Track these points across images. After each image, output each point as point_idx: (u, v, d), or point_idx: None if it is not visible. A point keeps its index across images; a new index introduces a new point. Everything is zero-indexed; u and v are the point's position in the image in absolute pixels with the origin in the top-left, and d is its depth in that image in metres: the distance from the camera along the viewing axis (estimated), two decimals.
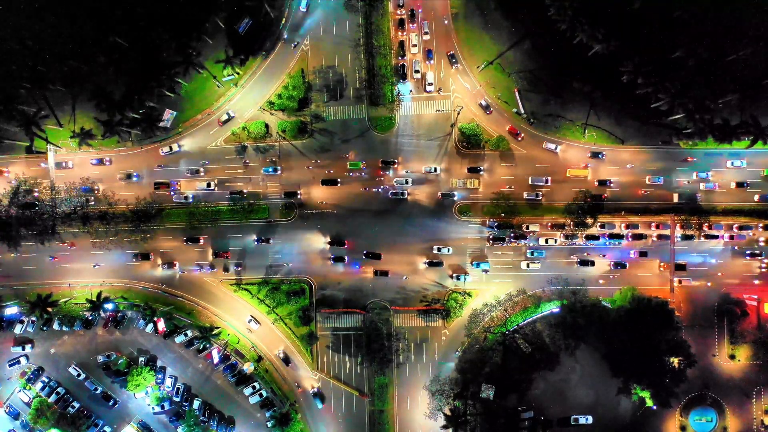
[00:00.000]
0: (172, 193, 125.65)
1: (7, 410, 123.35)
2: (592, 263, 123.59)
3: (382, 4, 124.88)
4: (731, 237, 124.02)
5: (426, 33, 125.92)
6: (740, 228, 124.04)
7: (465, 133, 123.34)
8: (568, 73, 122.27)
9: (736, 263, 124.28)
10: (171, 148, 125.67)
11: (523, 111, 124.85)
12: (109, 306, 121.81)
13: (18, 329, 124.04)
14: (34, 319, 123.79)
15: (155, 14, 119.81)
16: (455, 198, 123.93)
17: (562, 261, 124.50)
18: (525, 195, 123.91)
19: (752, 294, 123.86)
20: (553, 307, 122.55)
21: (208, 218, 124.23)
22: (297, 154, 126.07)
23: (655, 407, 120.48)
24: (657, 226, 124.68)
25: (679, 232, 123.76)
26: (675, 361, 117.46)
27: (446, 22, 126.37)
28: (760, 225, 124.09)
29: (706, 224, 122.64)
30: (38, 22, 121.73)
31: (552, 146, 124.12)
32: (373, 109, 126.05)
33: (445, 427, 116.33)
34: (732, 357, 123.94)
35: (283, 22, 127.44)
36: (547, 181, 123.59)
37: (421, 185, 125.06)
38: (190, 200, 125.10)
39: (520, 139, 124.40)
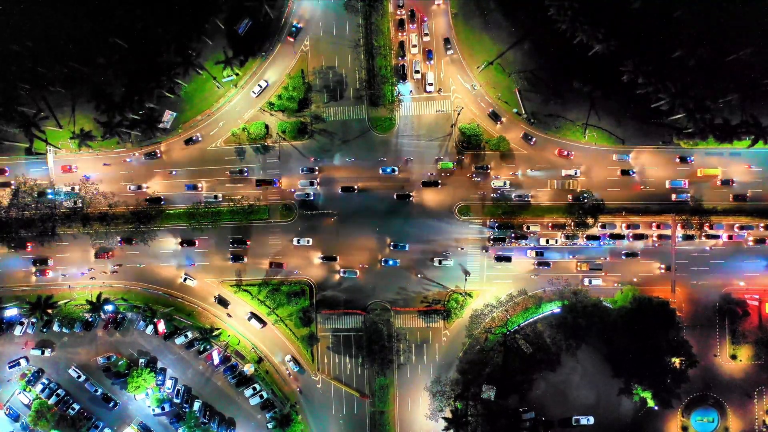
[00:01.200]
0: (293, 191, 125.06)
1: (7, 412, 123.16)
2: (509, 259, 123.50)
3: (382, 5, 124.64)
4: (730, 237, 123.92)
5: (426, 33, 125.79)
6: (741, 228, 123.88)
7: (465, 134, 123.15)
8: (569, 73, 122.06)
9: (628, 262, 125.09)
10: (261, 86, 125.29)
11: (523, 111, 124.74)
12: (109, 307, 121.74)
13: (18, 331, 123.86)
14: (34, 320, 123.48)
15: (155, 15, 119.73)
16: (601, 202, 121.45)
17: (477, 255, 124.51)
18: (674, 198, 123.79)
19: (754, 294, 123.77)
20: (553, 308, 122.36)
21: (209, 219, 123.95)
22: (297, 155, 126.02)
23: (656, 408, 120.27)
24: (658, 226, 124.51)
25: (680, 232, 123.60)
26: (676, 361, 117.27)
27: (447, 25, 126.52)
28: (761, 225, 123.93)
29: (707, 224, 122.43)
30: (38, 24, 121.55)
31: (626, 157, 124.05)
32: (373, 109, 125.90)
33: (446, 428, 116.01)
34: (733, 357, 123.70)
35: (282, 22, 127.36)
36: (685, 184, 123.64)
37: (530, 189, 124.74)
38: (312, 198, 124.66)
39: (571, 157, 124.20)
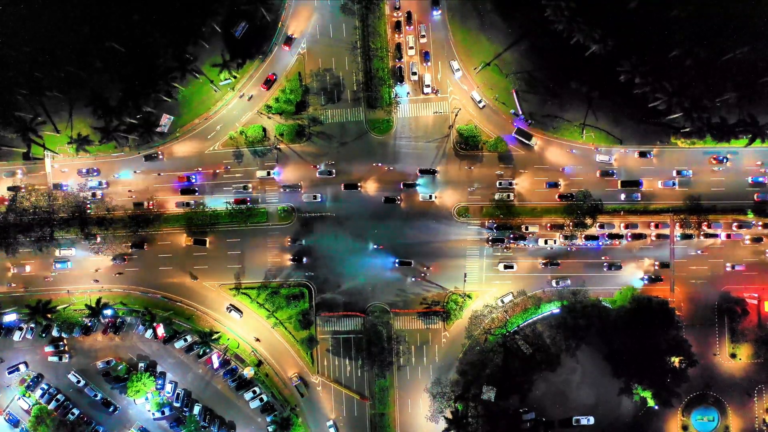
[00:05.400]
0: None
1: (7, 418, 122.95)
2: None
3: (378, 7, 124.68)
4: (728, 236, 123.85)
5: (423, 35, 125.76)
6: (739, 226, 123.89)
7: (463, 135, 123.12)
8: (566, 73, 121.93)
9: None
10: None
11: (521, 112, 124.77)
12: (108, 312, 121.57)
13: (17, 336, 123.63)
14: (33, 326, 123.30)
15: (151, 19, 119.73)
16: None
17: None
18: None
19: (753, 292, 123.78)
20: (553, 308, 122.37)
21: (208, 222, 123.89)
22: (295, 157, 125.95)
23: (656, 407, 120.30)
24: (656, 226, 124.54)
25: (678, 231, 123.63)
26: (676, 360, 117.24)
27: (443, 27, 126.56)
28: (760, 223, 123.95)
29: (705, 223, 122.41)
30: (35, 29, 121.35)
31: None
32: (371, 111, 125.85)
33: (446, 429, 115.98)
34: (733, 356, 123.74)
35: (279, 25, 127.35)
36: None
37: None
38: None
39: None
